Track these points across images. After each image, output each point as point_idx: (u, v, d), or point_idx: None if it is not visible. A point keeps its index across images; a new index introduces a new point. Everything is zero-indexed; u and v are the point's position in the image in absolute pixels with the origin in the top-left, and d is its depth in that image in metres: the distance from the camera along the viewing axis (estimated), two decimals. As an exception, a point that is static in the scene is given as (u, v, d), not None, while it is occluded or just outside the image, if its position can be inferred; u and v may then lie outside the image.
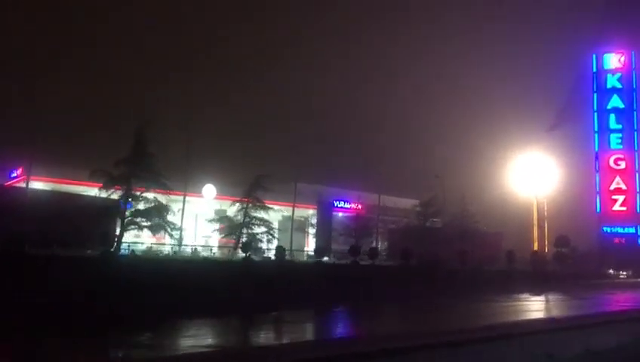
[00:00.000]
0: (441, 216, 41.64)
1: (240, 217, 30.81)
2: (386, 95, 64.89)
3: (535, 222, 53.31)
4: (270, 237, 31.28)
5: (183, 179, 34.45)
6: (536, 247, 48.89)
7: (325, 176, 47.38)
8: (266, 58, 62.33)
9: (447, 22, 64.59)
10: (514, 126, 51.50)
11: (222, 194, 40.23)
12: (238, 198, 31.84)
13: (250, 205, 30.95)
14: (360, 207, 46.65)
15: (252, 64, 61.17)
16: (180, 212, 43.26)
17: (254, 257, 23.67)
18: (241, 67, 60.10)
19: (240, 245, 28.97)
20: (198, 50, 58.59)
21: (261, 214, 31.06)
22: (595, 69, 54.95)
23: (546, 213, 53.74)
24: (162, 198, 27.42)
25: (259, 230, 30.77)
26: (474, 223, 40.35)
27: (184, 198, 33.87)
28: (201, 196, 41.23)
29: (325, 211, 42.05)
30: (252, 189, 31.01)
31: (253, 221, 30.77)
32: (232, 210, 32.23)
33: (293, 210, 38.48)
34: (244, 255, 21.25)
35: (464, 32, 65.09)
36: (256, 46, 61.79)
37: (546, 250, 46.74)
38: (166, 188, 27.12)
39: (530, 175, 51.36)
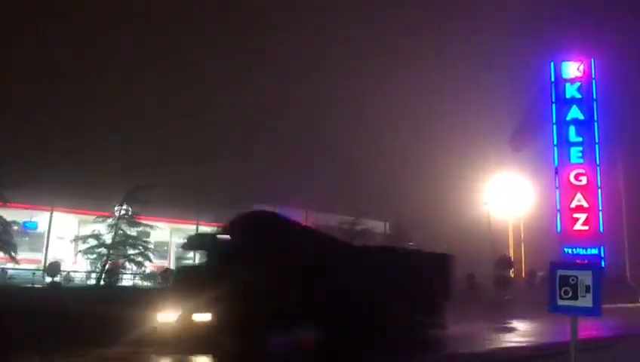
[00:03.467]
0: (370, 235, 37.29)
1: (109, 236, 26.19)
2: (349, 119, 60.84)
3: (511, 244, 49.94)
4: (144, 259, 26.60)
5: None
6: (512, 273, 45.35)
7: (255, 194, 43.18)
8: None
9: (401, 40, 60.75)
10: (480, 146, 48.52)
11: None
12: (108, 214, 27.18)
13: (125, 222, 26.43)
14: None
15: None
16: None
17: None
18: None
19: (106, 268, 24.63)
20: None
21: (134, 232, 26.53)
22: (553, 78, 51.22)
23: (522, 236, 50.46)
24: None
25: (132, 251, 26.21)
26: (407, 244, 36.23)
27: (51, 214, 29.22)
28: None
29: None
30: (126, 202, 26.51)
31: (125, 241, 26.21)
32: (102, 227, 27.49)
33: (197, 228, 34.02)
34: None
35: (416, 49, 61.11)
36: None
37: (523, 274, 43.19)
38: (3, 201, 22.67)
39: (503, 196, 48.32)
